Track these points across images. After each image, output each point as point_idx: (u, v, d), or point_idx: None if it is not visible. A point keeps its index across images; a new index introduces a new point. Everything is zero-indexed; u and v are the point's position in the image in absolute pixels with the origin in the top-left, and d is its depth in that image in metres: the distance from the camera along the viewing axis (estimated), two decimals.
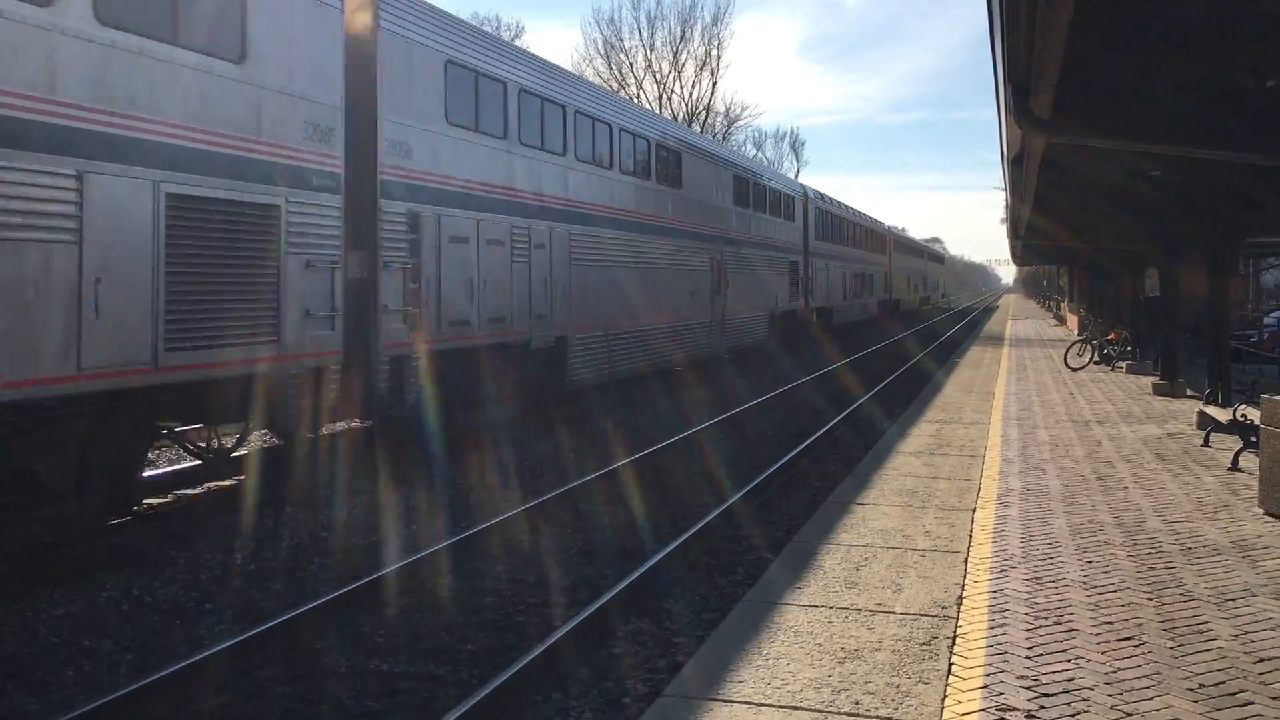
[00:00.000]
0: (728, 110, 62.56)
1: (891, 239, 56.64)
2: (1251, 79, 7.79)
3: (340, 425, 13.28)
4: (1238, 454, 10.22)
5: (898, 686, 4.82)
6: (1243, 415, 10.42)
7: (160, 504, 10.22)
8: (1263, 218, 13.42)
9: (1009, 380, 19.94)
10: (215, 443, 11.15)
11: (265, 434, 12.52)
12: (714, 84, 59.92)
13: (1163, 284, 18.47)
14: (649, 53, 58.07)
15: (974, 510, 8.51)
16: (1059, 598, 6.01)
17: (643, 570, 7.81)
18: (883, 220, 56.03)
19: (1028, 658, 5.07)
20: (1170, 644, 5.24)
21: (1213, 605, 5.86)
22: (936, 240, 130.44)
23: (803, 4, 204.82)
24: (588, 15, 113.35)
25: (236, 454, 11.40)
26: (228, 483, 11.06)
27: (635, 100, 51.94)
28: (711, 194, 23.93)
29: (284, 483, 10.64)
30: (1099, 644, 5.24)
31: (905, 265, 63.29)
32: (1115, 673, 4.86)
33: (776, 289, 29.62)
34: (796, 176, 59.54)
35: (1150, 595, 6.05)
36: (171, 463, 12.13)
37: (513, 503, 10.38)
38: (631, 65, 57.50)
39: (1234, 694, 4.61)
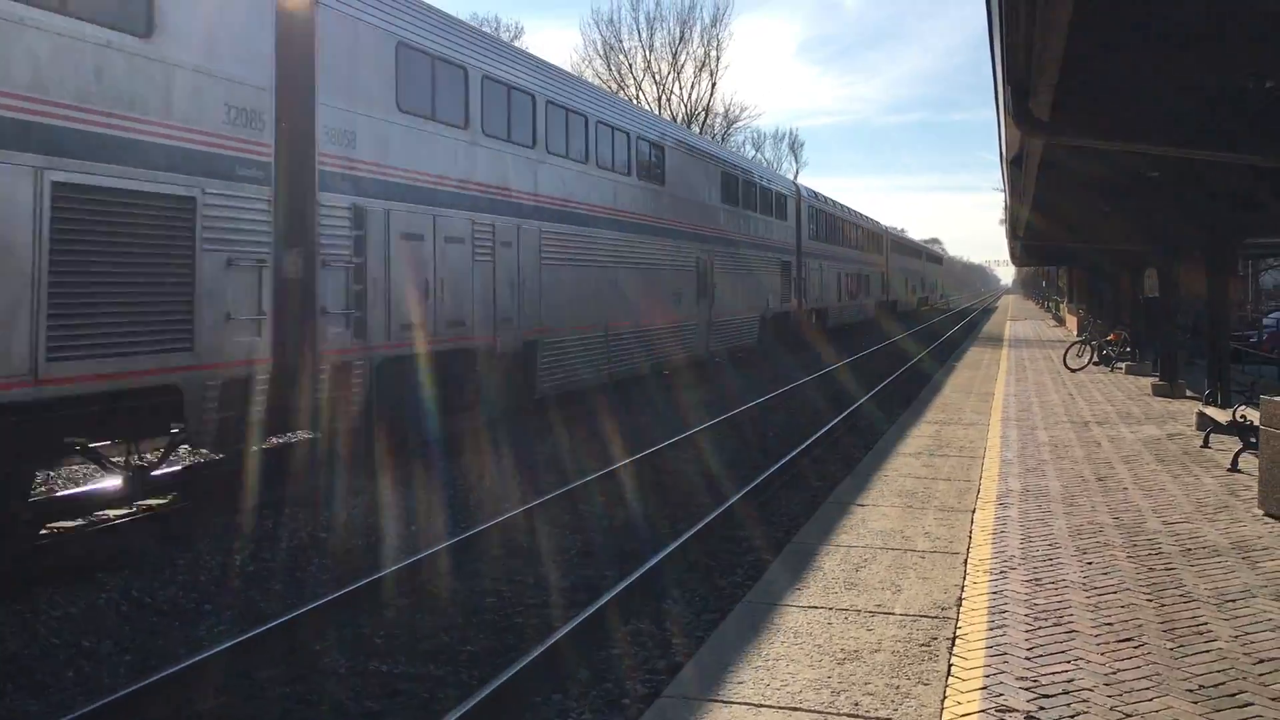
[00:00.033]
0: (727, 111, 62.58)
1: (888, 239, 56.14)
2: (1251, 80, 7.79)
3: (293, 437, 12.45)
4: (1237, 455, 10.22)
5: (897, 688, 4.82)
6: (1242, 416, 10.42)
7: (160, 505, 10.21)
8: (1262, 218, 13.43)
9: (1008, 381, 19.94)
10: (135, 459, 9.62)
11: (196, 451, 11.60)
12: (713, 85, 59.98)
13: (1162, 285, 18.48)
14: (648, 54, 58.10)
15: (973, 511, 8.51)
16: (1058, 599, 6.01)
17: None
18: (880, 220, 55.75)
19: (1027, 659, 5.07)
20: (1170, 645, 5.24)
21: (1212, 606, 5.86)
22: (935, 241, 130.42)
23: (801, 5, 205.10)
24: (587, 16, 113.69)
25: (162, 471, 10.18)
26: (157, 501, 10.64)
27: (635, 101, 51.92)
28: (698, 191, 23.00)
29: (283, 484, 10.63)
30: (1099, 645, 5.24)
31: (902, 266, 62.78)
32: (1115, 674, 4.86)
33: (768, 290, 28.81)
34: (795, 177, 59.37)
35: (1150, 596, 6.05)
36: (80, 482, 11.10)
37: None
38: (630, 66, 57.53)
39: (1233, 695, 4.61)
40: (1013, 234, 30.52)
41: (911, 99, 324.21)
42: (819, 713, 4.57)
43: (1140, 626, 5.52)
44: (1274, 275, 37.67)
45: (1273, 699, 4.57)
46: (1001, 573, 6.58)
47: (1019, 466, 10.41)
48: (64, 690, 6.06)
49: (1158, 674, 4.86)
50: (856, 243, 44.85)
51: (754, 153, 68.25)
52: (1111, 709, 4.47)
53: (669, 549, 8.52)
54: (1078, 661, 5.02)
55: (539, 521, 9.85)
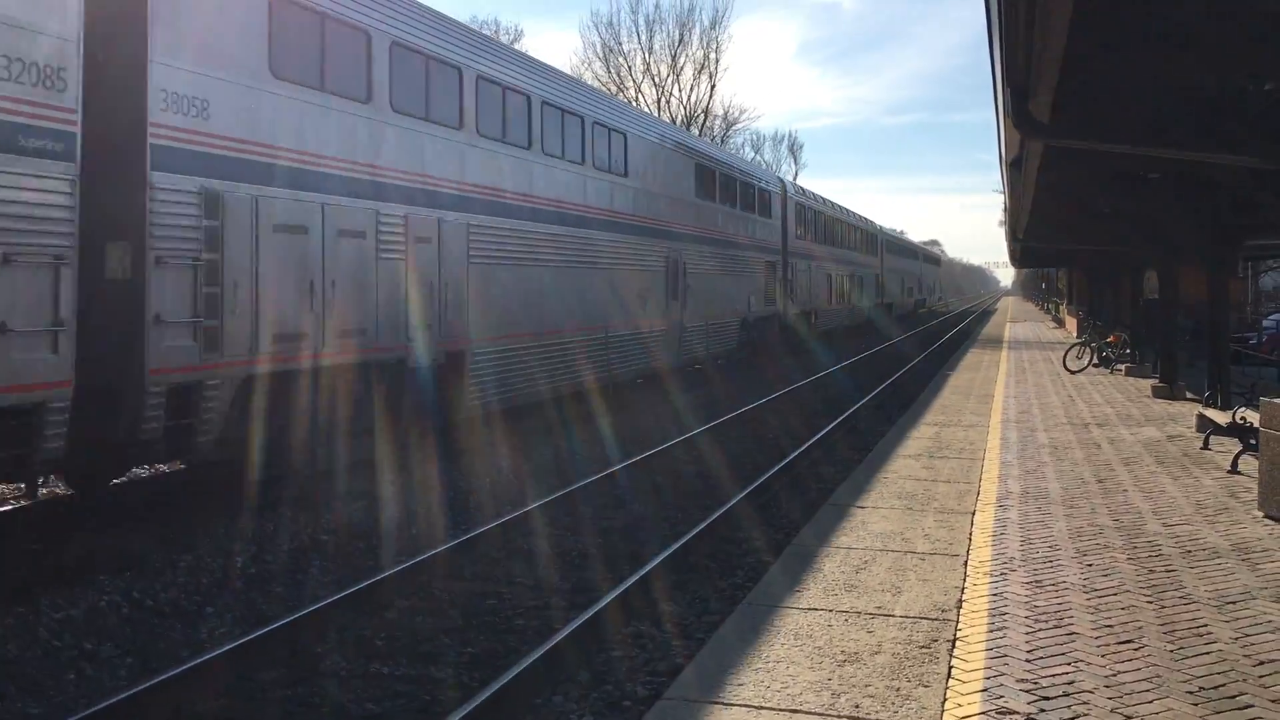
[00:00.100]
0: (726, 113, 62.51)
1: (883, 239, 54.86)
2: (1250, 82, 7.81)
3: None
4: (1237, 457, 10.23)
5: (898, 689, 4.82)
6: (1242, 418, 10.43)
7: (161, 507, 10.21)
8: (1262, 220, 13.44)
9: (1008, 383, 19.95)
10: None
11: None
12: (712, 87, 59.74)
13: (1162, 286, 18.50)
14: (647, 56, 58.03)
15: (973, 513, 8.51)
16: (1059, 601, 6.01)
17: None
18: (875, 220, 54.54)
19: (1028, 661, 5.07)
20: (1170, 647, 5.24)
21: (1212, 608, 5.86)
22: (935, 243, 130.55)
23: (800, 7, 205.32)
24: (586, 19, 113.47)
25: None
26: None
27: (634, 103, 51.93)
28: (668, 184, 21.09)
29: (283, 486, 10.62)
30: (1099, 647, 5.25)
31: (899, 267, 61.59)
32: (1115, 675, 4.87)
33: (750, 292, 27.02)
34: (795, 179, 59.26)
35: (1150, 598, 6.06)
36: None
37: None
38: (630, 69, 57.48)
39: (1234, 697, 4.61)
40: (1012, 236, 30.53)
41: (911, 101, 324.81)
42: (819, 714, 4.58)
43: (1140, 628, 5.52)
44: (1274, 277, 37.70)
45: (1273, 701, 4.57)
46: (1002, 574, 6.58)
47: (1019, 468, 10.42)
48: (65, 692, 6.07)
49: (1158, 676, 4.86)
50: (849, 243, 43.48)
51: (753, 155, 68.28)
52: (1112, 711, 4.47)
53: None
54: (1078, 663, 5.02)
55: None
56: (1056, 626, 5.56)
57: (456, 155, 13.13)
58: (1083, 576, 6.50)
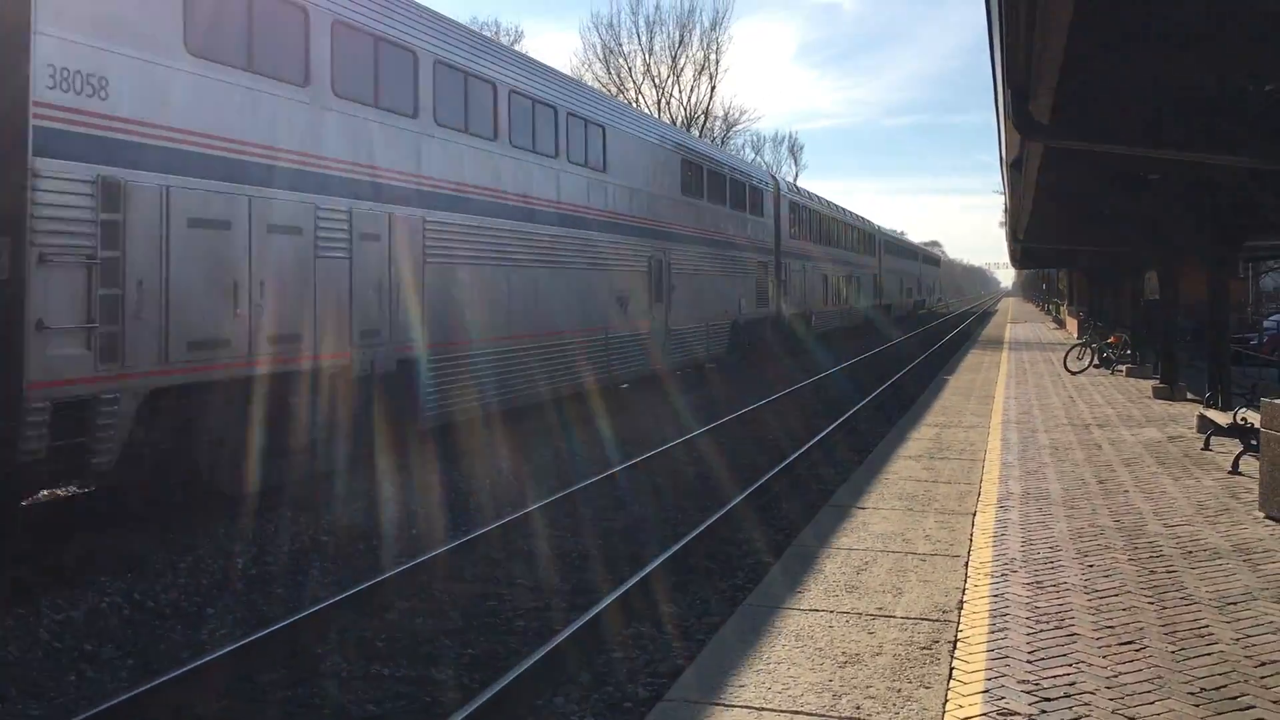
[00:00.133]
0: (726, 114, 62.55)
1: (881, 239, 53.72)
2: (1251, 82, 7.81)
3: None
4: (1238, 457, 10.23)
5: (899, 690, 4.82)
6: (1243, 419, 10.43)
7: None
8: (1262, 221, 13.44)
9: (1008, 384, 19.95)
10: None
11: None
12: (712, 88, 59.77)
13: (1162, 287, 18.49)
14: (648, 57, 58.06)
15: (974, 514, 8.51)
16: (1060, 602, 6.01)
17: None
18: (872, 219, 53.42)
19: (1029, 662, 5.07)
20: (1171, 648, 5.24)
21: (1214, 609, 5.86)
22: (935, 244, 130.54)
23: (800, 8, 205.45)
24: (586, 20, 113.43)
25: None
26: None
27: (634, 105, 51.93)
28: (651, 180, 19.91)
29: (284, 488, 10.62)
30: (1100, 648, 5.24)
31: (897, 267, 60.64)
32: (1116, 676, 4.87)
33: (741, 293, 25.98)
34: (795, 180, 59.07)
35: (1151, 599, 6.05)
36: None
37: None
38: (630, 70, 57.51)
39: (1235, 698, 4.61)
40: (1013, 237, 30.52)
41: (910, 102, 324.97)
42: (820, 716, 4.58)
43: (1141, 629, 5.52)
44: (1274, 278, 37.68)
45: (1274, 701, 4.57)
46: (1003, 575, 6.58)
47: (1020, 469, 10.42)
48: (66, 694, 6.07)
49: (1159, 677, 4.86)
50: (846, 242, 42.44)
51: (754, 156, 68.26)
52: (1113, 712, 4.47)
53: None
54: (1079, 664, 5.02)
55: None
56: (1058, 627, 5.56)
57: (410, 146, 12.03)
58: (1084, 577, 6.50)
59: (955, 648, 5.34)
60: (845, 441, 15.56)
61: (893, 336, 43.20)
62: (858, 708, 4.64)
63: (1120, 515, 8.28)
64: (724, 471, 12.72)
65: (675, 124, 52.82)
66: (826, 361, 28.71)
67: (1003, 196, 29.02)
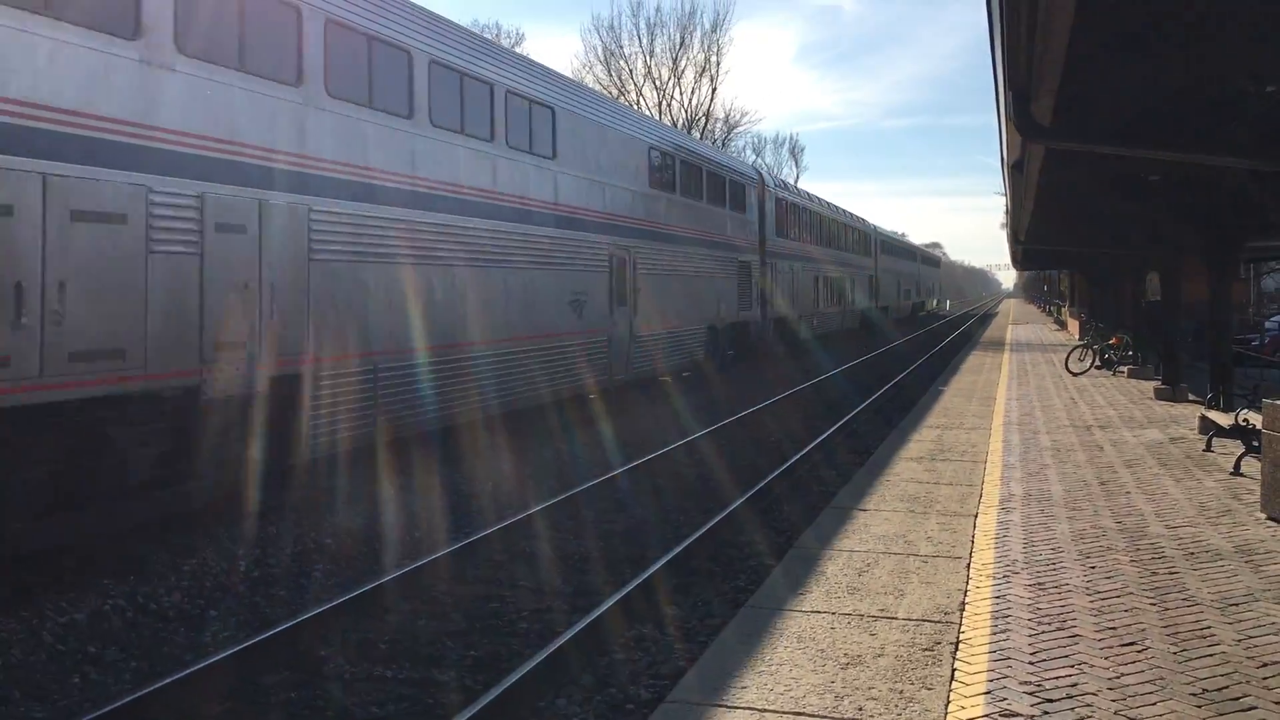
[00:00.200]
0: (727, 116, 62.59)
1: (878, 239, 52.31)
2: (1251, 84, 7.82)
3: None
4: (1240, 459, 10.23)
5: (901, 692, 4.83)
6: (1245, 420, 10.43)
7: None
8: (1263, 222, 13.45)
9: (1010, 385, 19.95)
10: None
11: None
12: (713, 90, 59.75)
13: (1164, 288, 18.51)
14: (648, 59, 58.16)
15: (976, 515, 8.52)
16: (1062, 603, 6.02)
17: None
18: (869, 219, 51.70)
19: (1031, 663, 5.07)
20: (1173, 649, 5.24)
21: (1216, 610, 5.86)
22: (936, 245, 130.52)
23: (800, 9, 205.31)
24: (587, 22, 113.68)
25: None
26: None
27: (635, 106, 51.93)
28: (612, 171, 18.01)
29: (286, 490, 10.64)
30: (1102, 649, 5.25)
31: (895, 268, 59.28)
32: (1118, 678, 4.87)
33: (720, 295, 24.11)
34: (796, 182, 58.95)
35: (1153, 600, 6.06)
36: None
37: None
38: (631, 72, 57.62)
39: (1237, 699, 4.62)
40: (1014, 238, 30.54)
41: (911, 103, 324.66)
42: (822, 717, 4.58)
43: (1143, 630, 5.53)
44: (1276, 279, 37.69)
45: (1276, 703, 4.57)
46: (1004, 577, 6.59)
47: (1021, 471, 10.42)
48: (69, 697, 6.08)
49: (1161, 678, 4.87)
50: (840, 242, 40.78)
51: (755, 157, 68.24)
52: (1115, 713, 4.47)
53: None
54: (1081, 666, 5.03)
55: None
56: (1059, 629, 5.56)
57: (291, 120, 10.11)
58: (1085, 579, 6.50)
59: (957, 649, 5.35)
60: (846, 442, 15.55)
61: (890, 340, 42.21)
62: (860, 709, 4.65)
63: (1122, 516, 8.28)
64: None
65: (676, 126, 52.83)
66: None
67: (1004, 198, 29.04)
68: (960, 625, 5.73)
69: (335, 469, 10.98)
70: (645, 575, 7.88)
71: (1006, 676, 4.92)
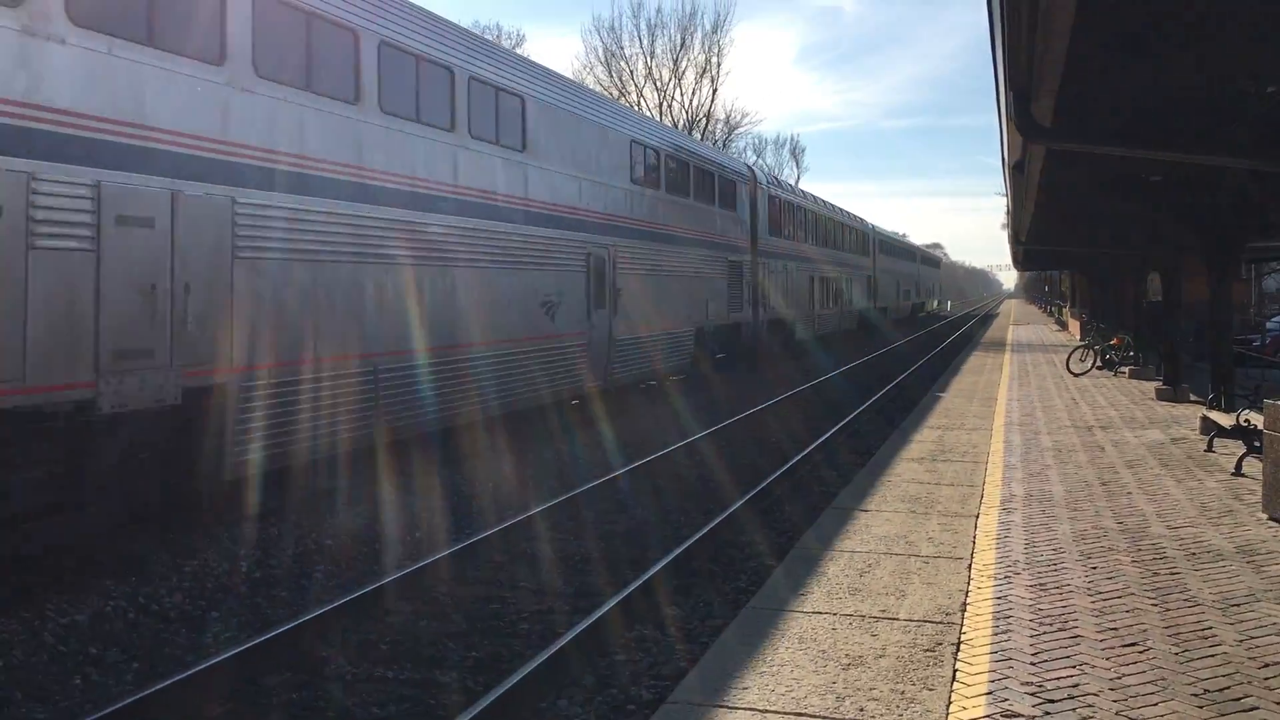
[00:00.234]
0: (728, 117, 62.58)
1: (876, 238, 50.99)
2: (1252, 84, 7.82)
3: None
4: (1241, 459, 10.23)
5: (902, 693, 4.83)
6: (1246, 420, 10.43)
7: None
8: (1263, 223, 13.46)
9: (1011, 386, 19.95)
10: None
11: None
12: (714, 91, 59.79)
13: (1165, 289, 18.51)
14: (649, 60, 58.16)
15: (977, 516, 8.51)
16: (1063, 604, 6.01)
17: None
18: (867, 218, 50.28)
19: (1032, 664, 5.07)
20: (1175, 649, 5.24)
21: (1217, 611, 5.86)
22: (937, 246, 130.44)
23: (801, 11, 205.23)
24: (588, 23, 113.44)
25: None
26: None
27: (636, 108, 51.94)
28: (590, 165, 16.84)
29: (287, 492, 10.64)
30: (1103, 650, 5.25)
31: (894, 269, 58.26)
32: (1120, 678, 4.87)
33: (709, 296, 22.93)
34: (797, 183, 58.80)
35: (1155, 601, 6.06)
36: None
37: None
38: (632, 73, 57.63)
39: (1239, 699, 4.62)
40: (1015, 239, 30.55)
41: (912, 104, 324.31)
42: (824, 718, 4.58)
43: (1145, 631, 5.52)
44: (1277, 279, 37.68)
45: (1278, 703, 4.57)
46: (1006, 578, 6.59)
47: (1022, 471, 10.42)
48: (71, 698, 6.08)
49: (1163, 679, 4.86)
50: (836, 242, 39.50)
51: (756, 158, 68.23)
52: (1117, 714, 4.47)
53: None
54: (1083, 666, 5.03)
55: None
56: (1061, 630, 5.56)
57: (213, 102, 9.14)
58: (1087, 579, 6.50)
59: (959, 650, 5.35)
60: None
61: (889, 341, 41.75)
62: (861, 710, 4.65)
63: (1123, 517, 8.28)
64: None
65: (677, 127, 52.85)
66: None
67: (1005, 198, 29.05)
68: (962, 626, 5.73)
69: (274, 488, 9.98)
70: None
71: (1008, 677, 4.92)
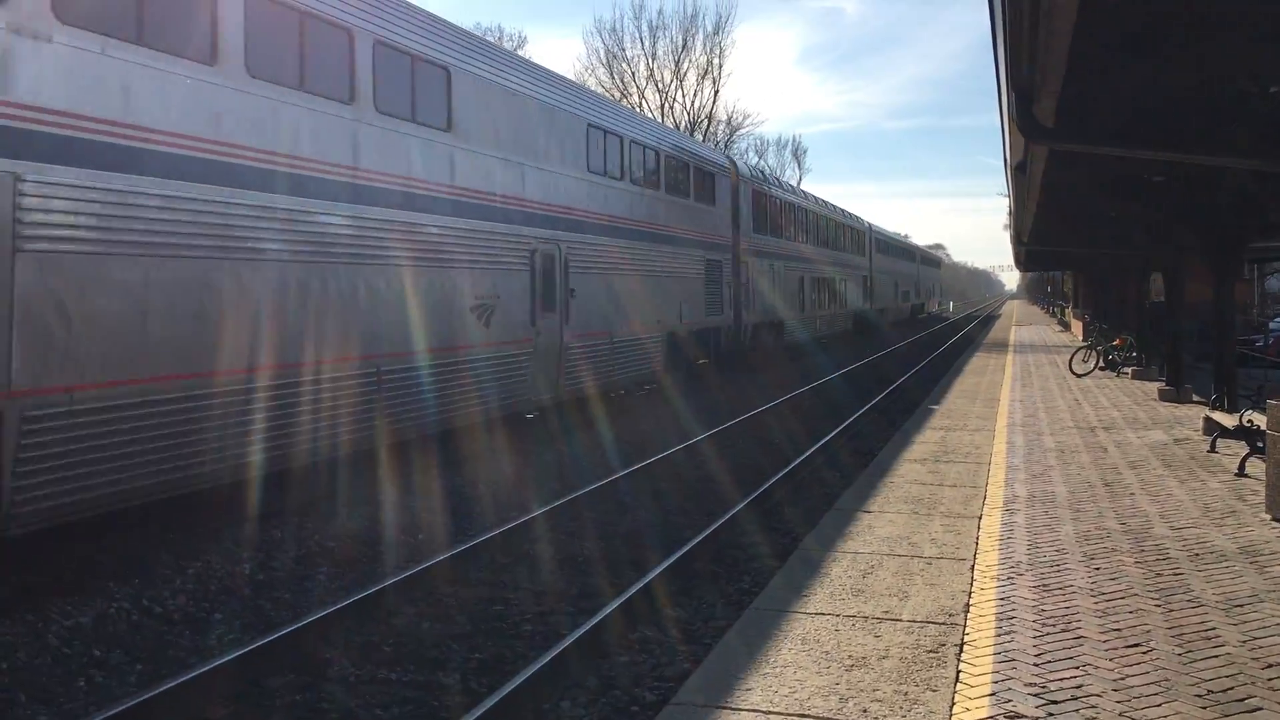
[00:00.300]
0: (730, 118, 62.63)
1: (873, 237, 49.57)
2: (1253, 84, 7.82)
3: None
4: (1244, 459, 10.22)
5: (906, 694, 4.83)
6: (1249, 421, 10.42)
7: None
8: (1264, 223, 13.45)
9: (1014, 387, 19.94)
10: None
11: None
12: (715, 92, 59.80)
13: (1167, 289, 18.49)
14: (651, 62, 58.23)
15: (980, 517, 8.51)
16: (1066, 605, 6.01)
17: None
18: (864, 217, 48.99)
19: (1035, 665, 5.07)
20: (1178, 650, 5.24)
21: (1220, 611, 5.86)
22: (939, 246, 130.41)
23: (802, 12, 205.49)
24: (589, 25, 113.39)
25: None
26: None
27: (638, 109, 51.94)
28: (536, 150, 14.87)
29: (290, 494, 10.65)
30: (1107, 651, 5.25)
31: (892, 269, 56.96)
32: (1123, 679, 4.87)
33: (682, 298, 21.14)
34: (799, 184, 58.63)
35: (1158, 602, 6.05)
36: None
37: None
38: (634, 74, 57.69)
39: (1242, 700, 4.61)
40: (1017, 239, 30.51)
41: (913, 105, 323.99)
42: (827, 719, 4.58)
43: (1148, 632, 5.52)
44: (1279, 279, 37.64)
45: None
46: (1009, 579, 6.58)
47: (1025, 472, 10.41)
48: (75, 699, 6.09)
49: (1166, 679, 4.86)
50: (830, 240, 37.89)
51: (757, 159, 68.21)
52: (1120, 715, 4.47)
53: None
54: (1086, 667, 5.02)
55: None
56: (1064, 630, 5.56)
57: None
58: (1090, 580, 6.50)
59: (962, 651, 5.35)
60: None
61: (888, 343, 40.48)
62: (864, 711, 4.65)
63: (1126, 518, 8.27)
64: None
65: (679, 128, 52.84)
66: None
67: (1007, 199, 29.03)
68: (965, 627, 5.72)
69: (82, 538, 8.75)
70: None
71: (1011, 678, 4.92)
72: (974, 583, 6.58)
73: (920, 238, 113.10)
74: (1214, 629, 5.56)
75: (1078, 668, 5.02)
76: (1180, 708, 4.53)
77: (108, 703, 5.87)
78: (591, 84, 52.86)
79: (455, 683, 6.31)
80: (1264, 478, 8.63)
